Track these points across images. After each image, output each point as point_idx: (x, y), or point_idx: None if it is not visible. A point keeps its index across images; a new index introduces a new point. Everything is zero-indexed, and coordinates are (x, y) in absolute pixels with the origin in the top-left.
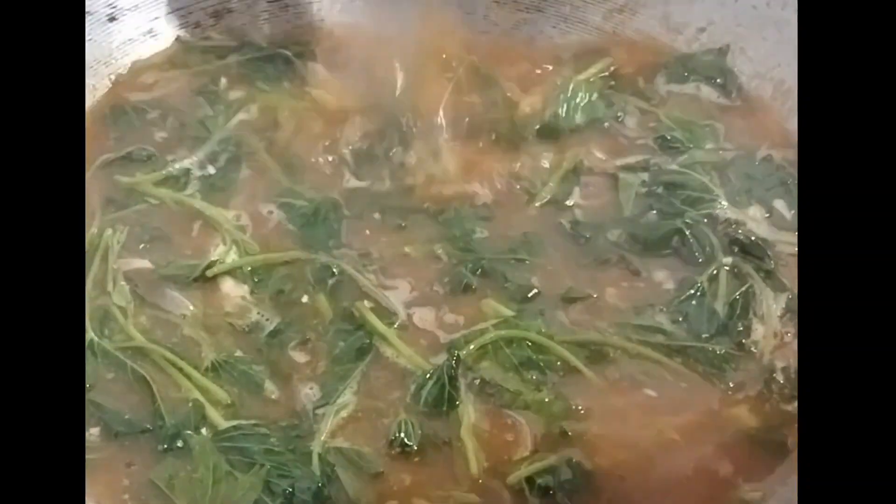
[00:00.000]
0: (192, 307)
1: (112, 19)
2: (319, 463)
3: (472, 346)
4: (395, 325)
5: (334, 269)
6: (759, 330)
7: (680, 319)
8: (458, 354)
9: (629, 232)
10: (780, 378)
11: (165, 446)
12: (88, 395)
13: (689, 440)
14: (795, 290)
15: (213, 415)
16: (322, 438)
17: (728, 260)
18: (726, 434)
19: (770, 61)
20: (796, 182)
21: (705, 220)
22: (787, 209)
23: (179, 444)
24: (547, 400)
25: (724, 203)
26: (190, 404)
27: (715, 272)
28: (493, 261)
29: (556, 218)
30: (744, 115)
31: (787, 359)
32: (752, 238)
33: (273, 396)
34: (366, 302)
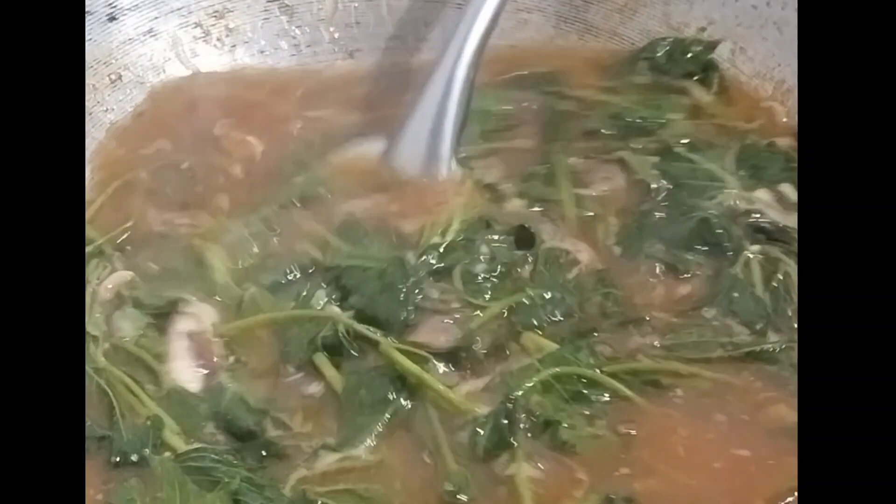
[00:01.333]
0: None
1: (112, 19)
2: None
3: (526, 386)
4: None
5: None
6: None
7: (728, 314)
8: (515, 396)
9: (657, 234)
10: None
11: (118, 459)
12: None
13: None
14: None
15: (172, 438)
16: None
17: (756, 248)
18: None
19: (770, 61)
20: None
21: (720, 212)
22: (793, 192)
23: (134, 458)
24: (602, 434)
25: (734, 189)
26: (148, 422)
27: (746, 261)
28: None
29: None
30: (735, 107)
31: None
32: (772, 223)
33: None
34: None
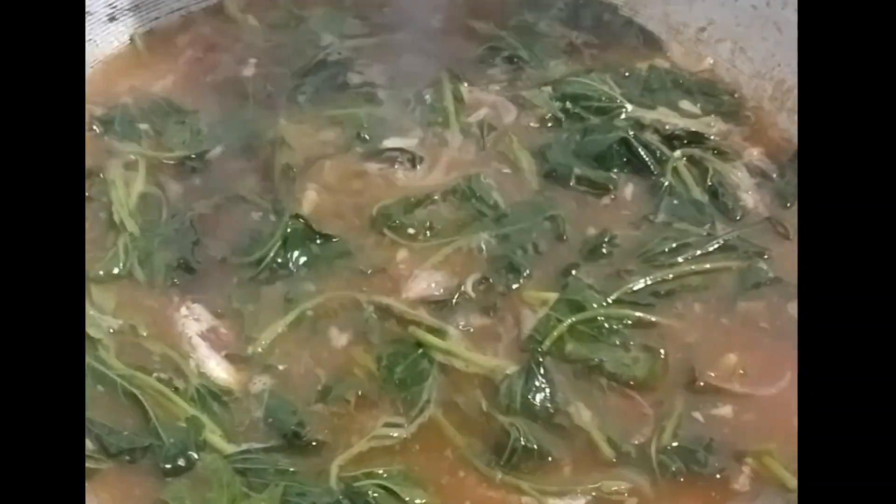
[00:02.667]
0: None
1: (112, 19)
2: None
3: (548, 342)
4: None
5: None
6: (745, 198)
7: (675, 219)
8: (540, 349)
9: (575, 154)
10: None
11: (168, 466)
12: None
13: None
14: (749, 154)
15: (214, 439)
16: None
17: (678, 153)
18: None
19: (770, 61)
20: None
21: (629, 126)
22: (693, 105)
23: (181, 463)
24: (640, 357)
25: (629, 107)
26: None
27: (674, 168)
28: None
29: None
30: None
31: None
32: (683, 129)
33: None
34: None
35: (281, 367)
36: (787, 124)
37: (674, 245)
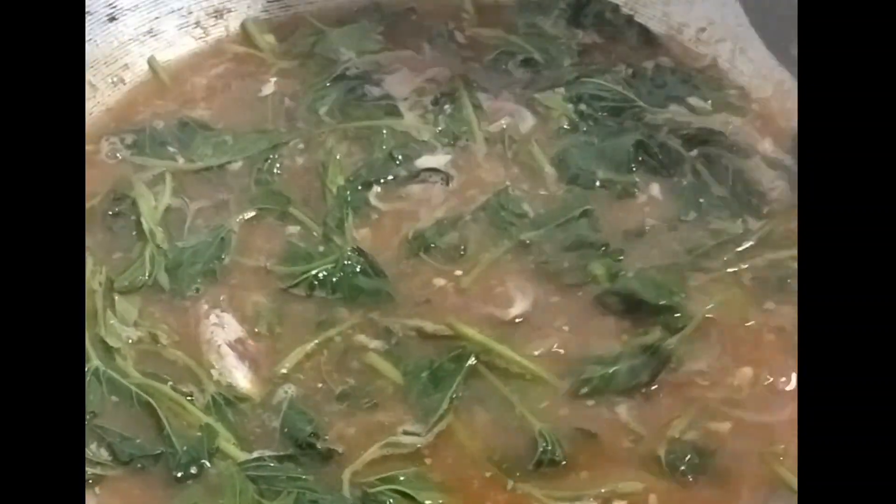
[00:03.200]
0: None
1: (112, 19)
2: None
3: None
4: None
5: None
6: (768, 191)
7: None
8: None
9: (595, 158)
10: None
11: (180, 474)
12: (95, 422)
13: None
14: (762, 148)
15: (228, 447)
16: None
17: (695, 152)
18: None
19: (770, 61)
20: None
21: (646, 128)
22: (702, 101)
23: (193, 470)
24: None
25: (643, 106)
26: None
27: (693, 167)
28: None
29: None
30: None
31: None
32: (698, 129)
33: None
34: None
35: (305, 382)
36: (786, 124)
37: (722, 240)
